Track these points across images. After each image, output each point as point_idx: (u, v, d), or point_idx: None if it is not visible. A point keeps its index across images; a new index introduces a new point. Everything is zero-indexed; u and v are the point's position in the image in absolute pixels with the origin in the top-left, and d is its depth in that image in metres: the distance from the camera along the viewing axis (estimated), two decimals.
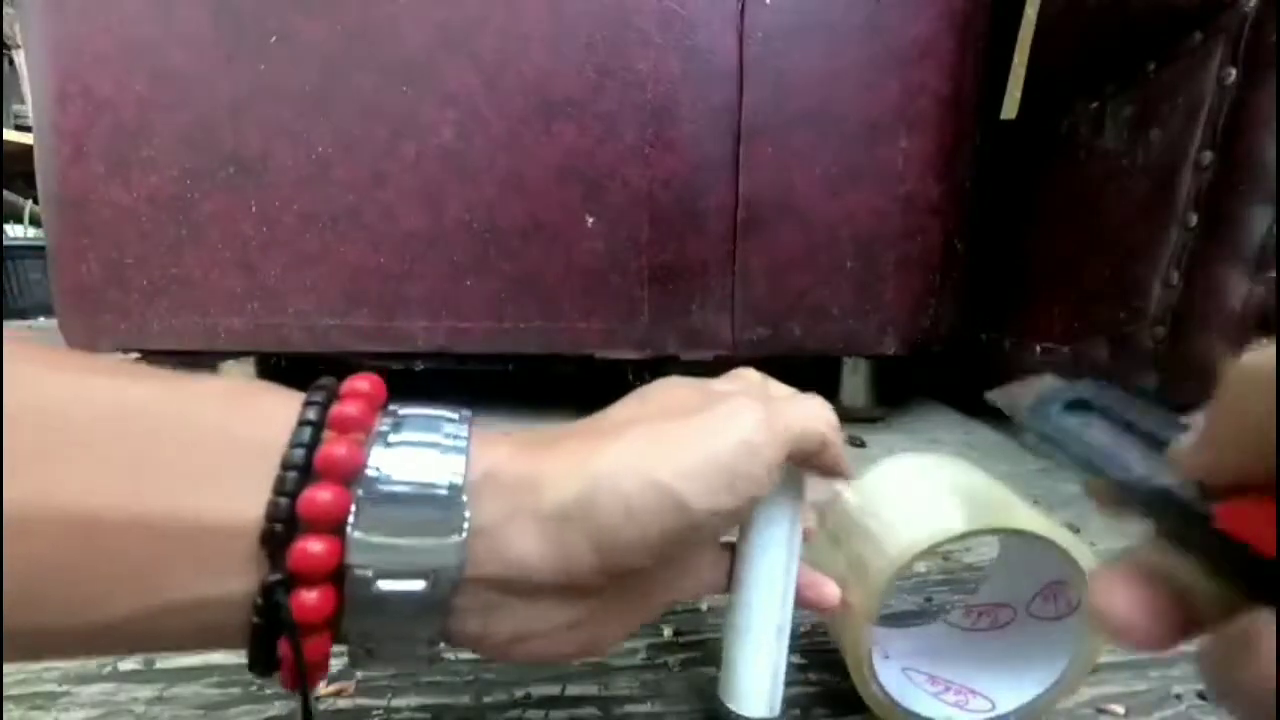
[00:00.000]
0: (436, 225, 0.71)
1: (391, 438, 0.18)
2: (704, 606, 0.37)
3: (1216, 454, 0.13)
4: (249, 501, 0.16)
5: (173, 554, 0.16)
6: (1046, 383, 0.20)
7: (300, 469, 0.17)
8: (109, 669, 0.31)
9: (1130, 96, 0.61)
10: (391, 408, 0.19)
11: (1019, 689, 0.28)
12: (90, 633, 0.16)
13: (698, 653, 0.33)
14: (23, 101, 1.99)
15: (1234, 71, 0.50)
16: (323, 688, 0.29)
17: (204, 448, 0.17)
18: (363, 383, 0.19)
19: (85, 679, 0.30)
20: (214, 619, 0.17)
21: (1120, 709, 0.29)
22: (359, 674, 0.30)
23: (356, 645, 0.18)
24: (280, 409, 0.18)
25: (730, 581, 0.25)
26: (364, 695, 0.29)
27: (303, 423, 0.17)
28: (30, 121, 0.75)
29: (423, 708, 0.29)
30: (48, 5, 0.69)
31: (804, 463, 0.23)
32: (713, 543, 0.25)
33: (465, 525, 0.17)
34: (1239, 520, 0.11)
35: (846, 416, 0.79)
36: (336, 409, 0.18)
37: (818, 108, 0.68)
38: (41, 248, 0.84)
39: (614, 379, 0.83)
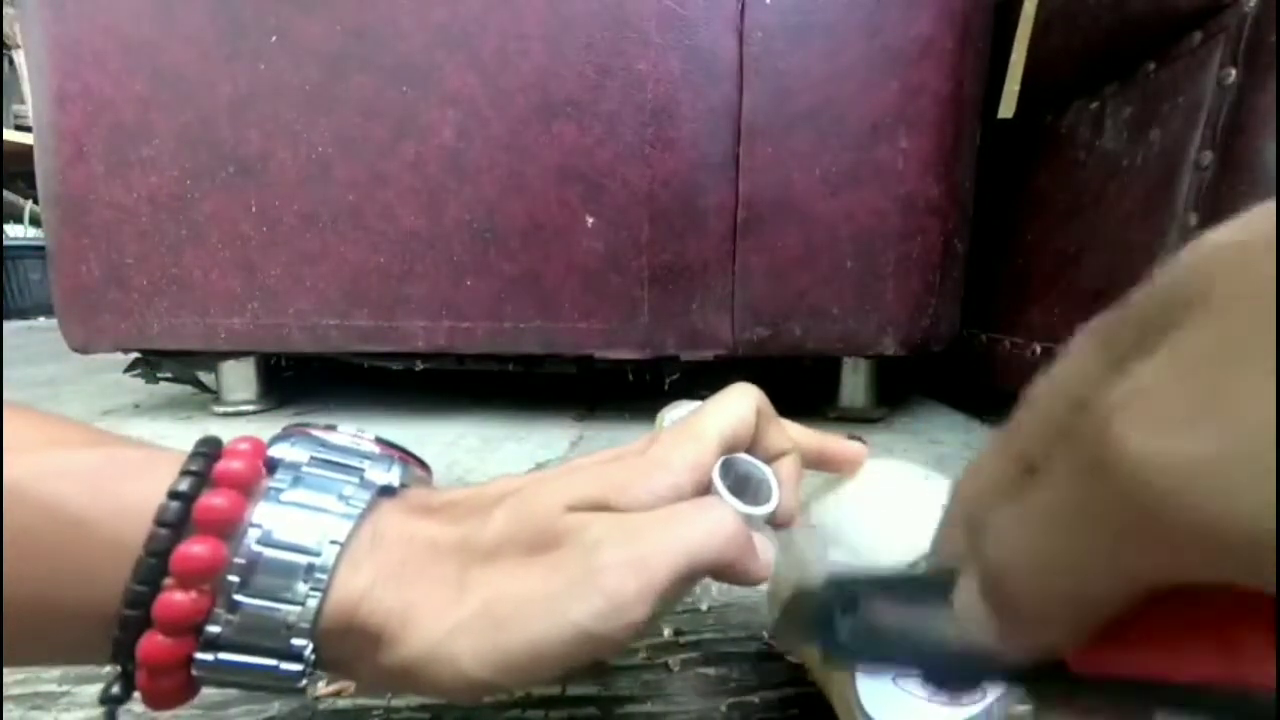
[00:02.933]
0: (436, 225, 0.72)
1: (242, 596, 0.18)
2: (704, 606, 0.37)
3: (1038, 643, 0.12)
4: (103, 604, 0.17)
5: (41, 637, 0.18)
6: (803, 601, 0.18)
7: (142, 607, 0.17)
8: (109, 669, 0.31)
9: (1130, 96, 0.61)
10: (270, 486, 0.19)
11: None
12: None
13: (698, 653, 0.33)
14: (23, 101, 1.99)
15: (1234, 71, 0.50)
16: (322, 687, 0.29)
17: (63, 543, 0.17)
18: (219, 494, 0.18)
19: (85, 679, 0.30)
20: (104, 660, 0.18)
21: None
22: None
23: None
24: (143, 503, 0.18)
25: None
26: (364, 695, 0.29)
27: (149, 555, 0.17)
28: (30, 121, 0.75)
29: (422, 707, 0.28)
30: (48, 5, 0.69)
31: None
32: None
33: (305, 678, 0.18)
34: (1093, 660, 0.11)
35: (846, 416, 0.79)
36: (179, 551, 0.17)
37: (818, 108, 0.68)
38: (41, 248, 0.84)
39: (614, 379, 0.83)
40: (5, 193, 2.14)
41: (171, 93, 0.70)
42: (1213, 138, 0.51)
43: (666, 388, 0.79)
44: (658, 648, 0.33)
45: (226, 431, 0.21)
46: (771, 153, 0.69)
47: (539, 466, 0.63)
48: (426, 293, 0.73)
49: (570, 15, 0.67)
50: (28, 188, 2.16)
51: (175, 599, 0.17)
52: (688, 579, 0.19)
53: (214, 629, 0.17)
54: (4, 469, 0.17)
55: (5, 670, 0.30)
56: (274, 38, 0.69)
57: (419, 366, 0.81)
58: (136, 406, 0.89)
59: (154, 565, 0.17)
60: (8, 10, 1.55)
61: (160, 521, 0.17)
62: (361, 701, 0.29)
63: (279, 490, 0.19)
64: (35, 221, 2.20)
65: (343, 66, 0.69)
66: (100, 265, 0.74)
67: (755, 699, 0.30)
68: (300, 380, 0.92)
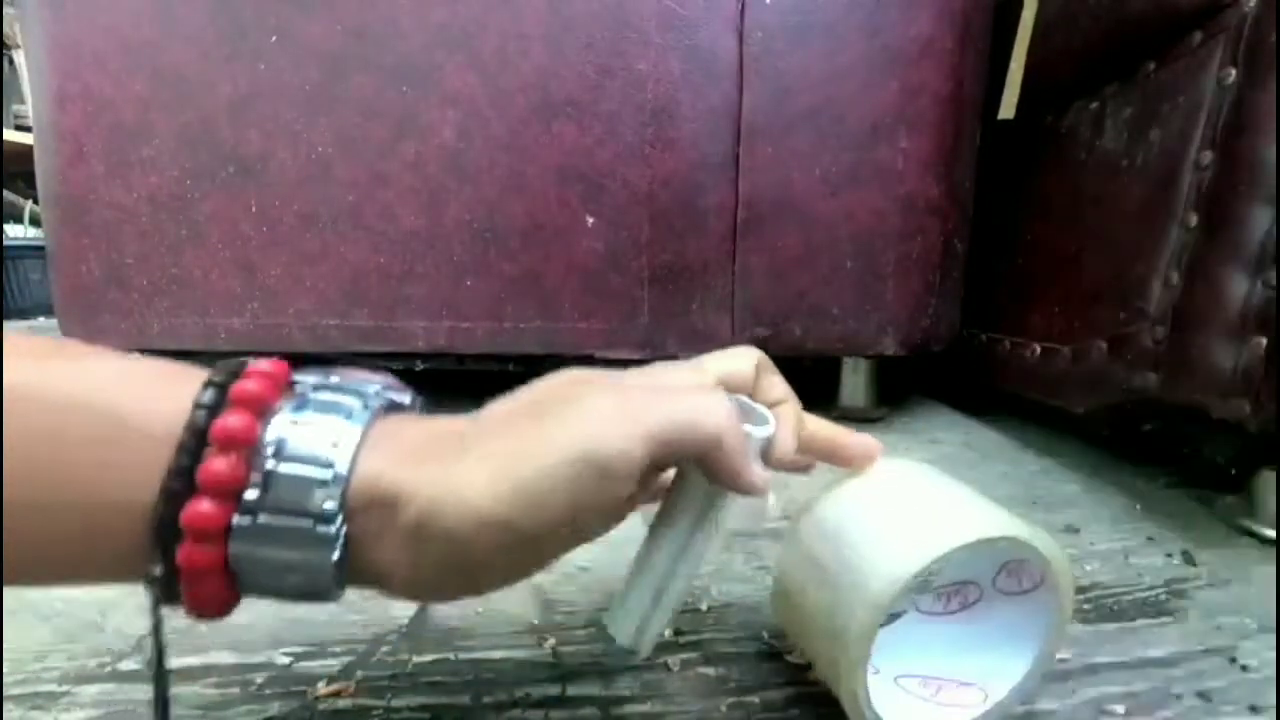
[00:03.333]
0: (436, 225, 0.71)
1: (284, 440, 0.19)
2: (704, 607, 0.37)
3: None
4: (140, 489, 0.18)
5: (78, 536, 0.18)
6: None
7: (184, 476, 0.18)
8: (109, 669, 0.31)
9: (1130, 96, 0.61)
10: (296, 386, 0.20)
11: (1004, 670, 0.28)
12: (42, 583, 0.20)
13: (698, 653, 0.33)
14: (23, 101, 1.99)
15: (1234, 71, 0.50)
16: (322, 688, 0.29)
17: (99, 434, 0.18)
18: (252, 382, 0.19)
19: (85, 679, 0.30)
20: (129, 582, 0.19)
21: (1120, 709, 0.29)
22: (359, 673, 0.30)
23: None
24: (176, 398, 0.19)
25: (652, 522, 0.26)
26: (364, 695, 0.29)
27: (190, 430, 0.18)
28: (30, 121, 0.75)
29: (423, 707, 0.29)
30: (48, 5, 0.69)
31: (699, 464, 0.22)
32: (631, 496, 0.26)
33: (337, 550, 0.19)
34: None
35: (847, 416, 0.79)
36: (221, 420, 0.18)
37: (818, 108, 0.68)
38: (41, 248, 0.84)
39: None
40: (5, 193, 2.14)
41: (171, 93, 0.70)
42: (1213, 138, 0.51)
43: None
44: (658, 648, 0.33)
45: None
46: (771, 153, 0.69)
47: None
48: (426, 293, 0.73)
49: (570, 15, 0.67)
50: (28, 188, 2.16)
51: (217, 465, 0.18)
52: (682, 441, 0.21)
53: (252, 494, 0.18)
54: (35, 374, 0.18)
55: (5, 671, 0.30)
56: (274, 38, 0.69)
57: (419, 366, 0.81)
58: None
59: (194, 441, 0.18)
60: (8, 10, 1.55)
61: (198, 405, 0.18)
62: (361, 701, 0.29)
63: (304, 391, 0.20)
64: (35, 221, 2.20)
65: (343, 66, 0.69)
66: (100, 265, 0.74)
67: (755, 699, 0.30)
68: None
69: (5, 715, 0.28)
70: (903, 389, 0.90)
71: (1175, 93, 0.55)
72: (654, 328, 0.73)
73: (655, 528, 0.26)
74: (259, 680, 0.30)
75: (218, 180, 0.72)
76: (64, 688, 0.30)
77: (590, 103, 0.69)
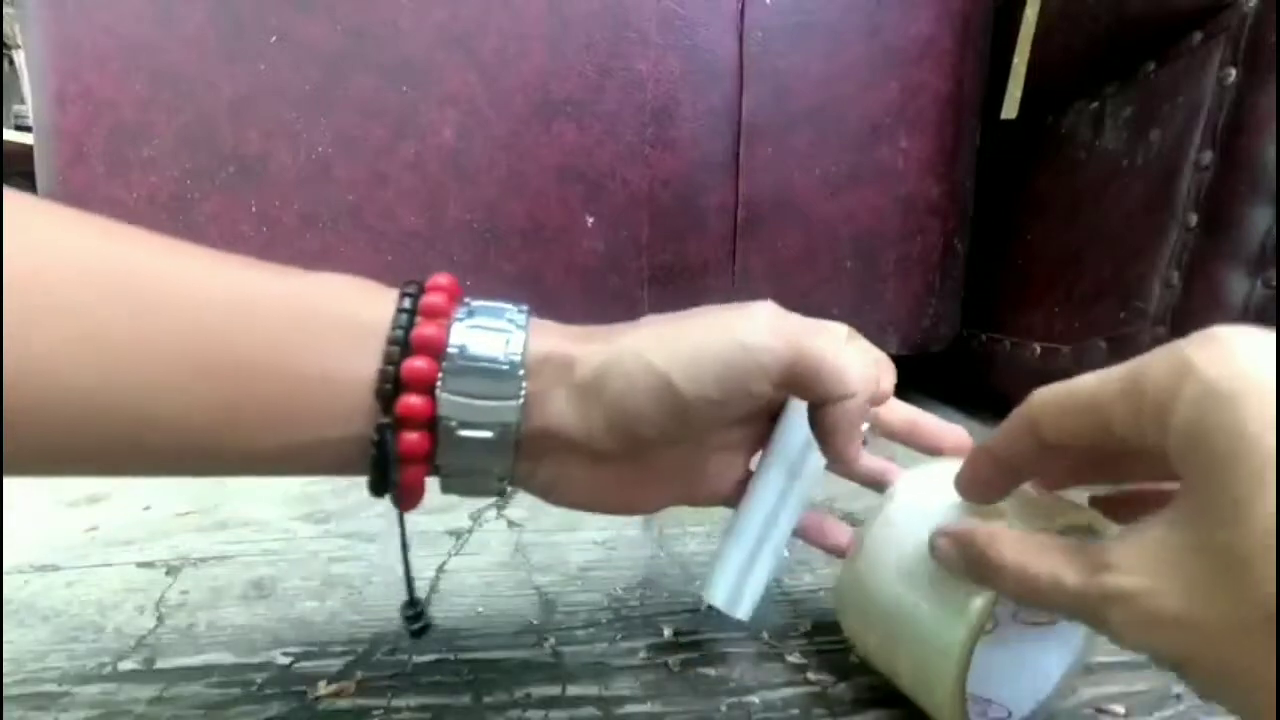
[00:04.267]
0: (436, 225, 0.71)
1: (469, 322, 0.23)
2: (704, 607, 0.37)
3: None
4: (363, 367, 0.22)
5: (306, 403, 0.21)
6: None
7: (401, 344, 0.22)
8: (109, 669, 0.31)
9: (1130, 96, 0.61)
10: (467, 299, 0.25)
11: (1027, 690, 0.28)
12: (248, 459, 0.22)
13: (698, 653, 0.33)
14: (23, 101, 1.99)
15: (1234, 71, 0.50)
16: (323, 687, 0.29)
17: (325, 325, 0.22)
18: (442, 278, 0.24)
19: (85, 679, 0.30)
20: (338, 453, 0.22)
21: (1120, 709, 0.29)
22: (359, 674, 0.30)
23: (446, 476, 0.24)
24: (379, 296, 0.23)
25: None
26: (364, 695, 0.29)
27: (400, 310, 0.23)
28: (30, 121, 0.75)
29: (423, 707, 0.28)
30: (48, 5, 0.69)
31: (817, 411, 0.25)
32: (736, 457, 0.30)
33: (522, 392, 0.23)
34: None
35: None
36: (425, 299, 0.23)
37: (818, 108, 0.68)
38: None
39: None
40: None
41: (171, 93, 0.70)
42: (1213, 138, 0.51)
43: None
44: (658, 648, 0.33)
45: None
46: (771, 153, 0.69)
47: None
48: None
49: (570, 15, 0.67)
50: (28, 187, 2.16)
51: (427, 330, 0.22)
52: (821, 368, 0.23)
53: (453, 349, 0.22)
54: (245, 283, 0.22)
55: (5, 671, 0.30)
56: (274, 38, 0.69)
57: None
58: None
59: (406, 317, 0.22)
60: (8, 10, 1.55)
61: (405, 292, 0.23)
62: (361, 701, 0.29)
63: (468, 302, 0.25)
64: None
65: (343, 66, 0.69)
66: None
67: (755, 699, 0.30)
68: None
69: (5, 715, 0.28)
70: (903, 389, 0.90)
71: (1175, 93, 0.55)
72: None
73: (744, 496, 0.29)
74: (259, 680, 0.30)
75: (218, 180, 0.72)
76: (64, 688, 0.30)
77: (590, 103, 0.69)
